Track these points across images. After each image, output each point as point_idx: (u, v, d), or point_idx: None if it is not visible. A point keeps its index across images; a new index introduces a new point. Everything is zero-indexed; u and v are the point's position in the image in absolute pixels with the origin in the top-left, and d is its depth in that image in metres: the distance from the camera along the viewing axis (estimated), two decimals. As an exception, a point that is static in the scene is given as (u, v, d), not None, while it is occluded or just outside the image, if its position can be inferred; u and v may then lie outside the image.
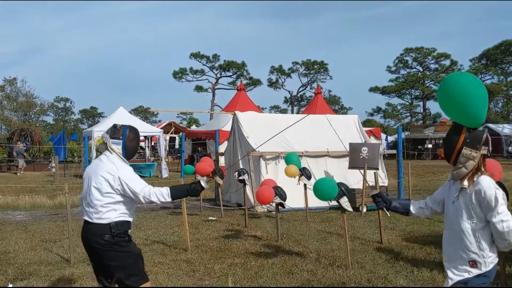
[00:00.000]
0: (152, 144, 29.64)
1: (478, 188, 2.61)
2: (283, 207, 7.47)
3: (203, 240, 7.38)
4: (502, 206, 2.58)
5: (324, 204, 10.27)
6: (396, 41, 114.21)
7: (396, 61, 53.60)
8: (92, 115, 71.74)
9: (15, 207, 11.58)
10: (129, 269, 3.47)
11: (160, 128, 25.43)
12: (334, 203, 5.93)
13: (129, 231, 3.55)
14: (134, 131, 3.60)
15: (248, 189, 9.64)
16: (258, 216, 9.89)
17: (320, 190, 5.74)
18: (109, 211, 3.43)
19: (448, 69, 51.23)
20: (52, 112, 62.84)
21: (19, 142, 26.41)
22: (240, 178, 9.17)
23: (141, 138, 29.34)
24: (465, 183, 2.67)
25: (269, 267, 5.81)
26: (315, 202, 9.71)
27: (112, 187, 3.42)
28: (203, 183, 3.55)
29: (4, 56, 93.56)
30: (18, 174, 22.90)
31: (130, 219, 3.56)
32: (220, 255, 6.48)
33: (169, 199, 3.44)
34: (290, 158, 8.75)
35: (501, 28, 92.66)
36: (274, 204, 7.48)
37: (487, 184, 2.60)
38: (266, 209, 10.33)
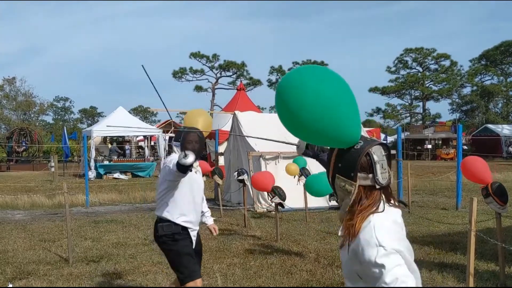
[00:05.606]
0: (152, 143, 29.61)
1: (356, 241, 1.62)
2: (283, 207, 7.47)
3: (202, 240, 7.35)
4: (390, 273, 1.50)
5: (323, 204, 10.33)
6: (396, 42, 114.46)
7: (396, 61, 53.57)
8: (92, 115, 71.71)
9: (14, 207, 11.57)
10: (175, 265, 3.75)
11: (160, 128, 25.39)
12: (333, 203, 5.94)
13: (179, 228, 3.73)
14: (191, 133, 3.68)
15: (247, 189, 9.62)
16: (257, 216, 9.88)
17: (312, 187, 5.68)
18: (160, 207, 3.71)
19: (447, 70, 51.32)
20: (51, 111, 62.84)
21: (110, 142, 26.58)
22: (240, 178, 9.15)
23: (140, 137, 29.40)
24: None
25: (268, 267, 5.81)
26: (314, 202, 9.76)
27: (162, 178, 3.63)
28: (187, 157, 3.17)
29: (4, 56, 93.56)
30: None
31: (181, 217, 3.72)
32: (219, 255, 6.48)
33: (174, 169, 3.34)
34: (297, 161, 8.74)
35: (500, 28, 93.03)
36: (273, 204, 7.48)
37: (367, 235, 1.57)
38: (265, 209, 10.34)
